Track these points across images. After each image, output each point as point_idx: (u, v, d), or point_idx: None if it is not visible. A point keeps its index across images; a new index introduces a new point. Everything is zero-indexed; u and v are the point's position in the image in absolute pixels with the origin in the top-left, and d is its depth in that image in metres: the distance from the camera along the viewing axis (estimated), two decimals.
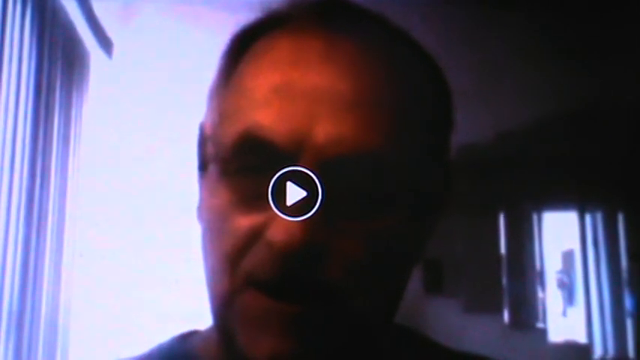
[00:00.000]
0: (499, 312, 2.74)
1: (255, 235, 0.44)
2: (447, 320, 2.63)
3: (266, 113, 0.44)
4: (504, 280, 2.77)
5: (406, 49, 0.51)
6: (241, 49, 0.50)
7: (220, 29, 0.55)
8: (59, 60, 1.97)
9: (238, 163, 0.45)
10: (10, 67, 1.59)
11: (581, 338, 2.70)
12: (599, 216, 2.73)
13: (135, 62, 2.48)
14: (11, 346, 1.64)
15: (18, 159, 1.65)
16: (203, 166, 0.51)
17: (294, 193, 0.43)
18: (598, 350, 2.66)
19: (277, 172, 0.43)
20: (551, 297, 2.78)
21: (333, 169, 0.43)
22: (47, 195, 1.85)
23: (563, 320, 2.82)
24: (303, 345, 0.44)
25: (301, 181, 0.43)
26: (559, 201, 2.81)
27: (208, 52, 0.58)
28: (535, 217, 2.79)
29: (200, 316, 0.55)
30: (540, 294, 2.77)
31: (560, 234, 2.81)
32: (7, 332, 1.61)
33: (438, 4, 2.66)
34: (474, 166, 2.53)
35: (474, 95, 2.41)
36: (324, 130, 0.43)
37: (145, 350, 0.57)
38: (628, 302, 2.63)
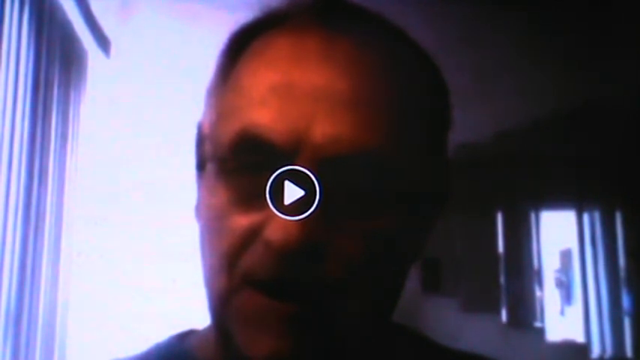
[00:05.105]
0: (497, 311, 2.73)
1: (253, 234, 0.44)
2: (445, 319, 2.63)
3: (264, 112, 0.44)
4: (502, 279, 2.76)
5: (404, 47, 0.51)
6: (239, 47, 0.50)
7: (218, 28, 0.55)
8: (57, 58, 1.96)
9: (236, 162, 0.45)
10: (7, 65, 1.59)
11: (579, 337, 2.70)
12: (597, 215, 2.73)
13: (132, 61, 2.48)
14: (9, 345, 1.63)
15: (16, 157, 1.64)
16: (201, 165, 0.51)
17: (292, 192, 0.43)
18: (596, 349, 2.66)
19: (275, 171, 0.43)
20: (549, 296, 2.78)
21: (331, 168, 0.43)
22: (45, 193, 1.85)
23: (561, 319, 2.81)
24: (301, 344, 0.44)
25: (299, 180, 0.43)
26: (557, 200, 2.81)
27: (206, 51, 0.58)
28: (533, 216, 2.78)
29: (198, 315, 0.54)
30: (538, 293, 2.77)
31: (558, 233, 2.80)
32: (5, 332, 1.61)
33: (436, 3, 2.66)
34: (472, 165, 2.53)
35: (473, 94, 2.41)
36: (322, 129, 0.43)
37: (142, 350, 0.57)
38: (626, 301, 2.63)
